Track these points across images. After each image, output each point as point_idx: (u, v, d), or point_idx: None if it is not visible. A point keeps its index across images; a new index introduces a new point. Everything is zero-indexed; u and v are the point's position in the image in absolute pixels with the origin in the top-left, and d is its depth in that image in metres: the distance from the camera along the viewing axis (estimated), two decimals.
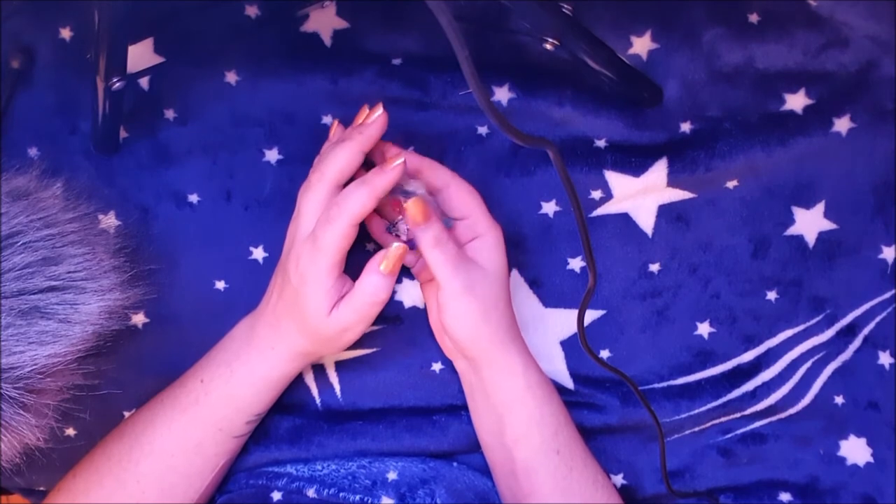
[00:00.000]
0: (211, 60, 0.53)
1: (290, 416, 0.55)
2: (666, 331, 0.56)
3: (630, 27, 0.54)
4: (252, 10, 0.53)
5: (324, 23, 0.54)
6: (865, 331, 0.57)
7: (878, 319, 0.57)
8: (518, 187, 0.55)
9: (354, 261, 0.49)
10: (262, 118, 0.54)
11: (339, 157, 0.47)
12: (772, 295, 0.56)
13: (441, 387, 0.55)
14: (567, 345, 0.56)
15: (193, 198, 0.54)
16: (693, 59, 0.55)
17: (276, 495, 0.52)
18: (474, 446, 0.56)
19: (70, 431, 0.55)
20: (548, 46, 0.53)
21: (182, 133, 0.54)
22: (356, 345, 0.53)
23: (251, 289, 0.53)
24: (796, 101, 0.55)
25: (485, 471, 0.56)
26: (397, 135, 0.54)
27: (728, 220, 0.55)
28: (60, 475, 0.53)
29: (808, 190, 0.55)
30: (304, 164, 0.51)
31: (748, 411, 0.57)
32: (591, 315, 0.56)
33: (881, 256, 0.56)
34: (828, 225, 0.56)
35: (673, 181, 0.54)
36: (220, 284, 0.54)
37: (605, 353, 0.56)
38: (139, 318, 0.54)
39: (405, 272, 0.54)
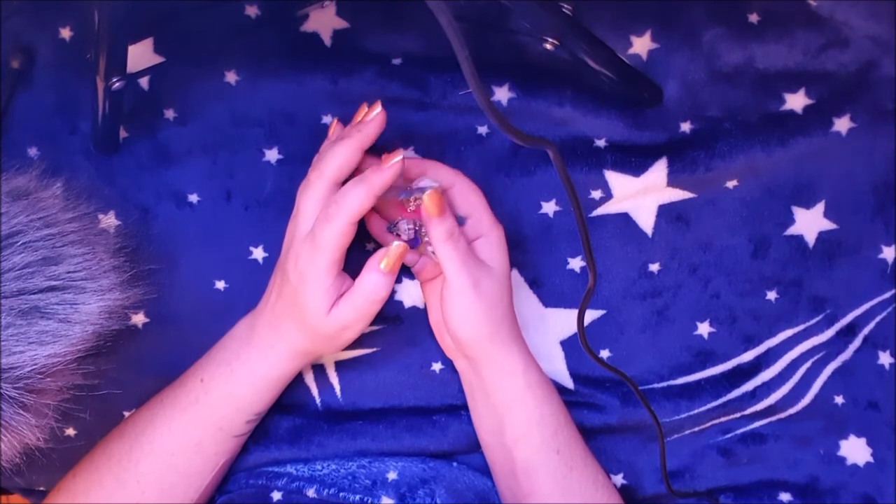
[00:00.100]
0: (211, 60, 0.53)
1: (290, 416, 0.55)
2: (666, 331, 0.56)
3: (630, 27, 0.54)
4: (252, 10, 0.53)
5: (324, 23, 0.54)
6: (865, 331, 0.57)
7: (878, 319, 0.57)
8: (518, 187, 0.55)
9: (354, 260, 0.49)
10: (262, 118, 0.54)
11: (337, 155, 0.47)
12: (772, 295, 0.56)
13: (441, 387, 0.56)
14: (567, 345, 0.56)
15: (193, 198, 0.54)
16: (693, 59, 0.55)
17: (276, 495, 0.52)
18: (474, 446, 0.56)
19: (70, 431, 0.55)
20: (548, 46, 0.53)
21: (182, 133, 0.54)
22: (356, 345, 0.53)
23: (251, 289, 0.53)
24: (796, 101, 0.55)
25: (485, 471, 0.56)
26: (397, 135, 0.54)
27: (728, 220, 0.55)
28: (60, 475, 0.53)
29: (808, 190, 0.55)
30: (304, 164, 0.51)
31: (748, 411, 0.57)
32: (591, 315, 0.56)
33: (881, 256, 0.56)
34: (828, 225, 0.56)
35: (673, 181, 0.54)
36: (220, 284, 0.54)
37: (605, 353, 0.56)
38: (139, 318, 0.54)
39: (405, 272, 0.54)
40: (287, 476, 0.54)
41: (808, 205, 0.56)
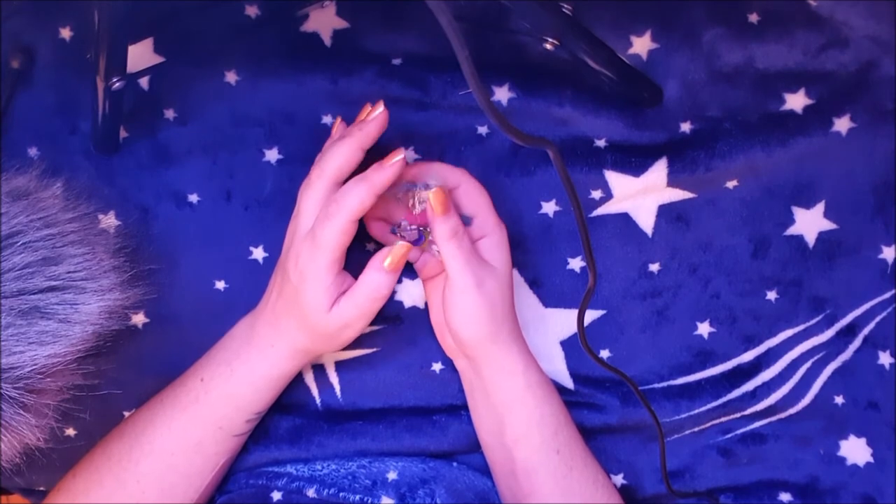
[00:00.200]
0: (211, 60, 0.53)
1: (290, 416, 0.55)
2: (666, 331, 0.56)
3: (630, 27, 0.54)
4: (252, 10, 0.53)
5: (324, 23, 0.54)
6: (865, 331, 0.57)
7: (878, 319, 0.57)
8: (518, 187, 0.55)
9: (354, 260, 0.49)
10: (262, 118, 0.54)
11: (338, 153, 0.47)
12: (772, 295, 0.56)
13: (441, 387, 0.56)
14: (567, 345, 0.56)
15: (193, 198, 0.54)
16: (693, 59, 0.55)
17: (276, 495, 0.52)
18: (474, 446, 0.56)
19: (70, 431, 0.55)
20: (548, 46, 0.53)
21: (182, 133, 0.54)
22: (356, 345, 0.53)
23: (251, 289, 0.53)
24: (796, 101, 0.55)
25: (485, 471, 0.56)
26: (397, 135, 0.54)
27: (728, 220, 0.55)
28: (60, 475, 0.53)
29: (808, 190, 0.55)
30: (304, 164, 0.51)
31: (748, 411, 0.57)
32: (591, 315, 0.56)
33: (881, 256, 0.56)
34: (828, 225, 0.56)
35: (673, 181, 0.54)
36: (220, 284, 0.54)
37: (605, 353, 0.56)
38: (139, 318, 0.54)
39: (405, 273, 0.54)
40: (287, 476, 0.54)
41: (808, 205, 0.56)
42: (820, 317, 0.57)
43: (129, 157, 0.54)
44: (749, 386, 0.57)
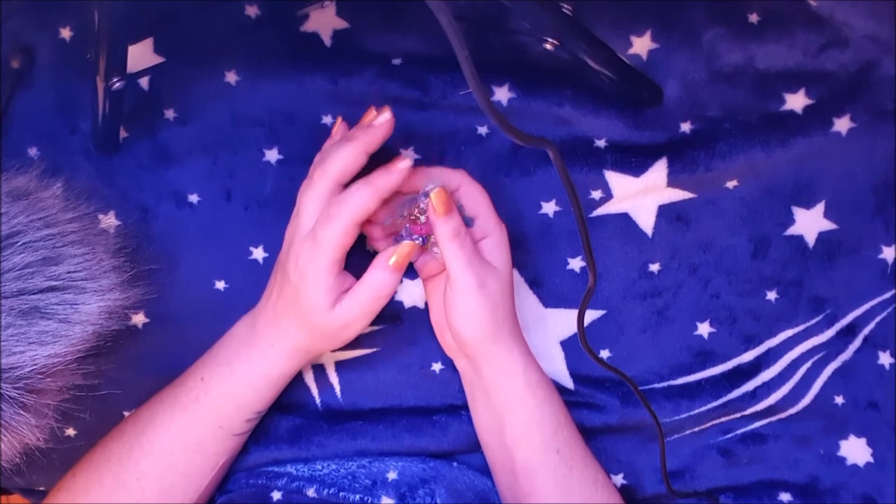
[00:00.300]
0: (211, 60, 0.53)
1: (289, 415, 0.55)
2: (666, 331, 0.56)
3: (630, 27, 0.54)
4: (252, 10, 0.53)
5: (324, 23, 0.54)
6: (865, 331, 0.57)
7: (878, 319, 0.57)
8: (518, 187, 0.55)
9: (355, 262, 0.49)
10: (262, 118, 0.54)
11: (342, 155, 0.47)
12: (772, 295, 0.56)
13: (441, 387, 0.56)
14: (567, 345, 0.56)
15: (193, 198, 0.54)
16: (693, 59, 0.55)
17: (276, 495, 0.52)
18: (474, 446, 0.56)
19: (70, 431, 0.55)
20: (548, 46, 0.53)
21: (182, 133, 0.54)
22: (356, 345, 0.53)
23: (251, 289, 0.53)
24: (796, 101, 0.55)
25: (485, 471, 0.56)
26: (397, 135, 0.54)
27: (728, 220, 0.55)
28: (60, 475, 0.53)
29: (808, 190, 0.55)
30: (304, 164, 0.51)
31: (748, 411, 0.57)
32: (591, 315, 0.56)
33: (881, 256, 0.56)
34: (828, 225, 0.56)
35: (673, 181, 0.54)
36: (220, 284, 0.54)
37: (605, 353, 0.56)
38: (139, 318, 0.54)
39: (406, 272, 0.54)
40: (287, 476, 0.54)
41: (808, 205, 0.56)
42: (820, 317, 0.57)
43: (129, 157, 0.54)
44: (749, 386, 0.57)
